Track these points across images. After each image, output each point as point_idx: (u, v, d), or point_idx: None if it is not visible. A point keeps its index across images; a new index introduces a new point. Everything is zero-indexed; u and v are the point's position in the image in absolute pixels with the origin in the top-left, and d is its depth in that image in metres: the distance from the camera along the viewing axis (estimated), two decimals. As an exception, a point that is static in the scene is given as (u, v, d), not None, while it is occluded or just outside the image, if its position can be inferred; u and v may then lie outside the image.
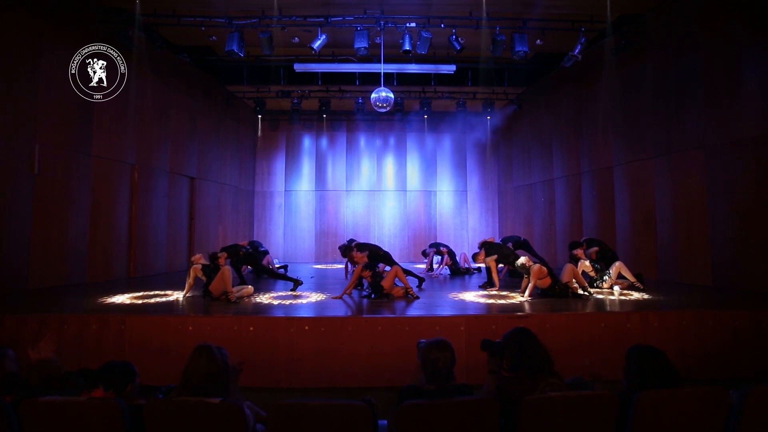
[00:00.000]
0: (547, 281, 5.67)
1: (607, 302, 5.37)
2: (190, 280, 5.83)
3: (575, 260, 6.38)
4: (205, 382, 1.99)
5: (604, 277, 6.35)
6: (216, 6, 7.56)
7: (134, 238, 8.26)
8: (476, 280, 8.02)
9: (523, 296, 5.67)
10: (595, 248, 6.86)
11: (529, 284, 5.62)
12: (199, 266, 5.75)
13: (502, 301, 5.56)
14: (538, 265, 5.70)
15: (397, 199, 13.32)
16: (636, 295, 5.77)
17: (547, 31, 7.87)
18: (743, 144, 6.25)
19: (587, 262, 6.39)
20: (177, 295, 5.93)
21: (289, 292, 6.24)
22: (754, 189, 6.11)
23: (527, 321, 4.43)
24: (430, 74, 10.42)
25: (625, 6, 7.61)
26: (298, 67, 9.66)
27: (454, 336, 4.28)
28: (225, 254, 6.59)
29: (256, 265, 7.67)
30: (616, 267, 6.33)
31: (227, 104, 11.61)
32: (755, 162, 6.10)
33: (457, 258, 9.19)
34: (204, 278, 5.70)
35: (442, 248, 9.17)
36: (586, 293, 5.63)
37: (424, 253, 9.70)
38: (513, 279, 7.53)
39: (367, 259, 6.31)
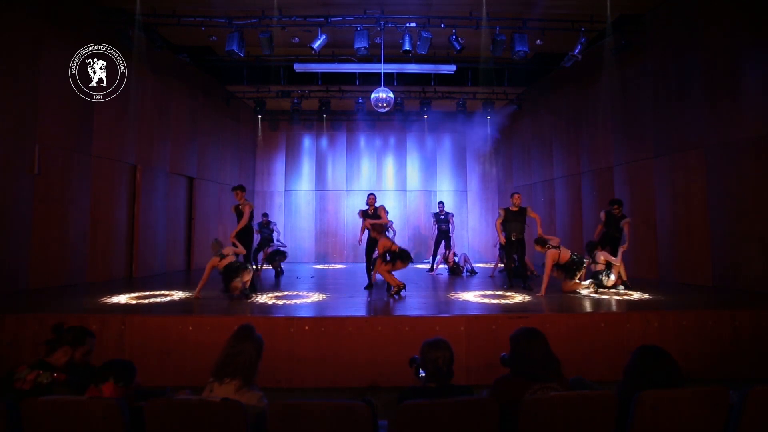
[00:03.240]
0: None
1: (606, 301, 5.38)
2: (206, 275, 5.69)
3: (591, 253, 6.42)
4: (236, 356, 2.11)
5: (606, 273, 6.25)
6: (216, 6, 7.56)
7: (134, 238, 8.27)
8: (477, 280, 8.03)
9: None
10: (627, 220, 6.79)
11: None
12: (226, 260, 5.61)
13: (503, 301, 5.56)
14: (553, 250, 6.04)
15: (397, 199, 13.31)
16: (636, 295, 5.77)
17: (547, 31, 7.87)
18: (743, 144, 6.26)
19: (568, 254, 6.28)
20: (177, 295, 5.93)
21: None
22: (754, 189, 6.11)
23: (527, 321, 4.43)
24: (430, 74, 10.43)
25: (625, 6, 7.61)
26: (298, 67, 9.66)
27: (454, 336, 4.28)
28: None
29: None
30: (602, 257, 6.25)
31: (227, 104, 11.61)
32: (755, 162, 6.10)
33: (458, 258, 9.19)
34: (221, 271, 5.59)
35: (448, 216, 9.38)
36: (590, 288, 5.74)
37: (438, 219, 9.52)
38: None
39: (387, 219, 6.51)
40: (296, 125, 13.02)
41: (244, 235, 6.23)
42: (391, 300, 5.73)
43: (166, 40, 8.35)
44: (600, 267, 6.19)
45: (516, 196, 6.65)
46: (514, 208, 6.54)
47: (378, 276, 6.39)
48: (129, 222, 8.25)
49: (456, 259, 9.16)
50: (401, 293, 5.94)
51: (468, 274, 8.91)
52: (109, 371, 2.12)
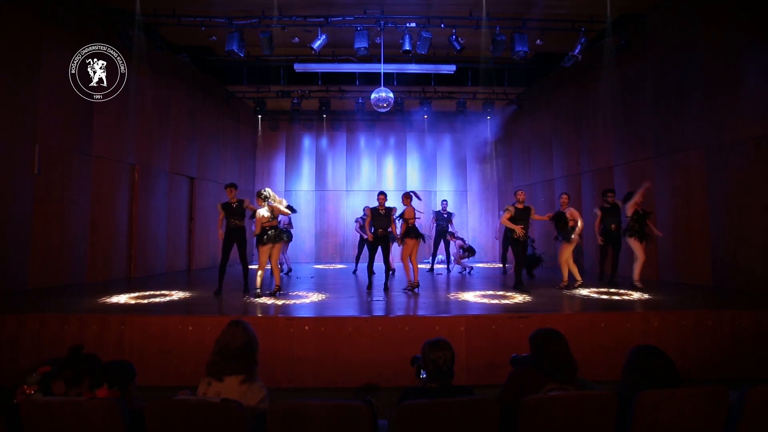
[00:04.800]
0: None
1: (606, 302, 5.37)
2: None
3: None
4: (240, 352, 2.12)
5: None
6: (216, 6, 7.56)
7: (134, 238, 8.26)
8: (477, 280, 8.02)
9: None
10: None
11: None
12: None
13: (503, 301, 5.56)
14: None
15: (397, 198, 13.26)
16: (636, 295, 5.77)
17: (547, 31, 7.87)
18: (743, 144, 6.26)
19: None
20: (177, 295, 5.93)
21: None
22: (754, 189, 6.11)
23: (527, 321, 4.43)
24: (430, 74, 10.42)
25: (625, 6, 7.61)
26: (298, 67, 9.66)
27: (454, 336, 4.28)
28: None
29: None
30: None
31: (227, 104, 11.60)
32: (755, 162, 6.10)
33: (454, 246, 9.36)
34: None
35: (451, 215, 9.44)
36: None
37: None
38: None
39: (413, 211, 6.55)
40: (296, 125, 13.02)
41: (243, 235, 6.20)
42: (391, 299, 5.73)
43: (166, 40, 8.35)
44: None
45: (520, 192, 6.45)
46: (519, 206, 6.38)
47: (375, 278, 6.52)
48: (129, 222, 8.24)
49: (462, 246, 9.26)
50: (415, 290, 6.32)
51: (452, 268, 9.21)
52: (103, 376, 2.08)
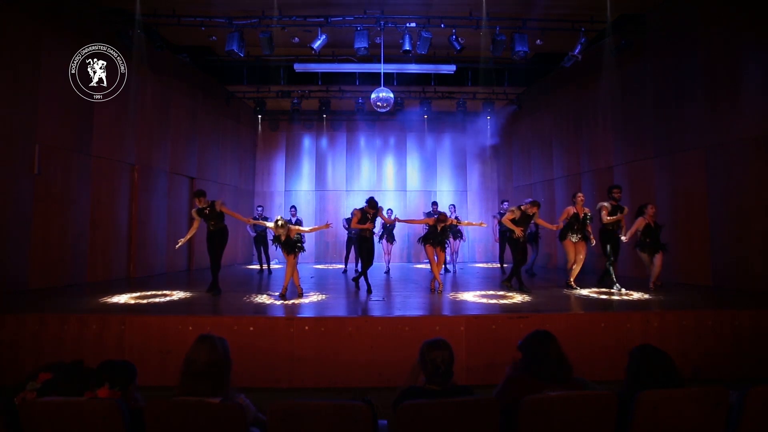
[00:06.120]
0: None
1: (606, 302, 5.37)
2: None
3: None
4: (206, 370, 1.98)
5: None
6: (216, 6, 7.56)
7: (134, 238, 8.26)
8: (477, 280, 8.02)
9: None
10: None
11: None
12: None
13: (503, 301, 5.56)
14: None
15: (397, 199, 13.31)
16: (636, 295, 5.77)
17: (547, 31, 7.87)
18: (743, 144, 6.26)
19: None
20: (177, 295, 5.93)
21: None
22: (754, 189, 6.11)
23: (527, 321, 4.43)
24: (430, 74, 10.43)
25: (625, 6, 7.61)
26: (298, 67, 9.66)
27: (454, 336, 4.28)
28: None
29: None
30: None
31: (227, 104, 11.60)
32: (755, 162, 6.10)
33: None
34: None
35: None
36: None
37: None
38: None
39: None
40: (296, 125, 13.03)
41: (222, 236, 6.16)
42: (391, 299, 5.72)
43: (166, 40, 8.35)
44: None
45: (536, 208, 6.44)
46: (530, 212, 6.45)
47: (374, 278, 6.63)
48: (129, 222, 8.25)
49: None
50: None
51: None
52: (104, 375, 2.07)
